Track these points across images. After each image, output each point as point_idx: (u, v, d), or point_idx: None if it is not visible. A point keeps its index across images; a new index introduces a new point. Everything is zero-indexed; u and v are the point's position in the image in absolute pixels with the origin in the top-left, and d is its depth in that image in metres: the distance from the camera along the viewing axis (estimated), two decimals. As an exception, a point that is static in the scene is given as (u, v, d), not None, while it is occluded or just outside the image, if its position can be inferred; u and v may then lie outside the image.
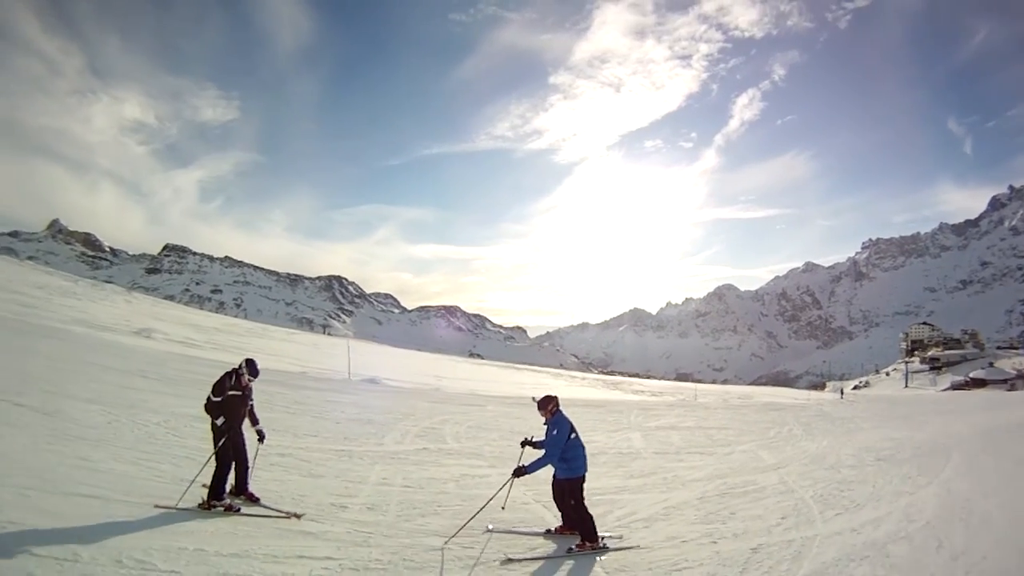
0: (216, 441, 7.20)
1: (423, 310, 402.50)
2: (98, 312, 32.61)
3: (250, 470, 7.55)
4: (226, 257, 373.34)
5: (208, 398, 7.26)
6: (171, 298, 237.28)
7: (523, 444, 7.34)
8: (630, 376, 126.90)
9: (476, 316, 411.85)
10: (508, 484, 7.21)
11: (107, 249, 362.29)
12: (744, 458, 13.97)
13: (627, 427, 18.01)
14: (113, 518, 6.21)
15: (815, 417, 25.08)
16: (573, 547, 6.90)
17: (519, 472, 6.84)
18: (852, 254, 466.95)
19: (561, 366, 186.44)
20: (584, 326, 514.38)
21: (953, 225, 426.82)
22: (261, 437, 7.64)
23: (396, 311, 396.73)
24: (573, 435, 7.08)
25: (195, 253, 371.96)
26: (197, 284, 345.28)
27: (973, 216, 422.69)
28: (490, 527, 7.23)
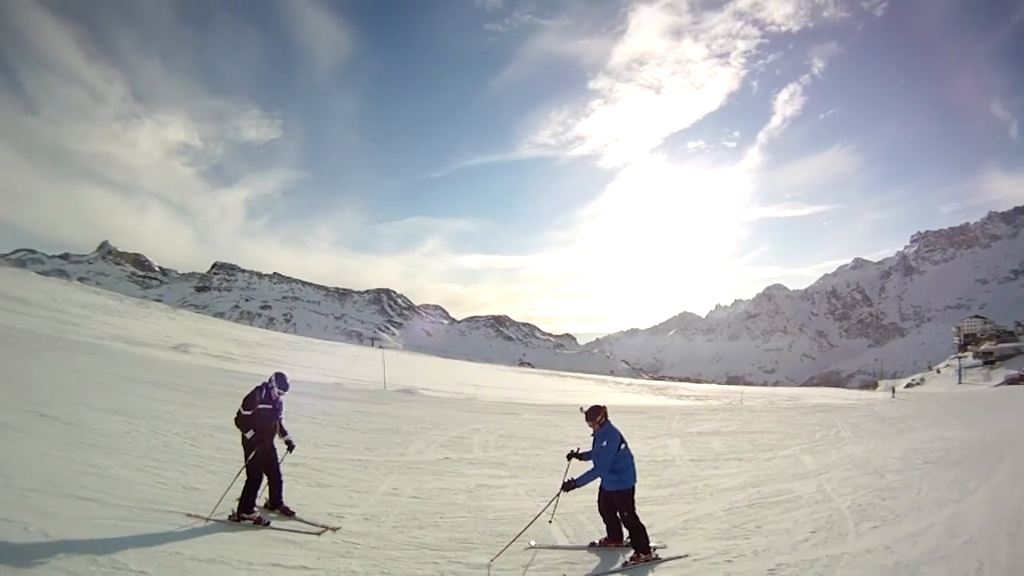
0: (247, 454, 7.17)
1: (472, 320, 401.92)
2: (139, 329, 33.29)
3: (283, 483, 7.47)
4: (275, 273, 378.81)
5: (238, 411, 7.23)
6: (221, 315, 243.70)
7: (570, 456, 7.05)
8: (680, 381, 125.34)
9: (525, 325, 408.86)
10: (556, 498, 6.95)
11: (157, 269, 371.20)
12: (784, 464, 13.22)
13: (666, 433, 17.32)
14: (104, 520, 6.35)
15: (864, 418, 23.93)
16: (628, 560, 6.65)
17: (569, 486, 6.60)
18: (901, 248, 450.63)
19: (611, 373, 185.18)
20: (633, 332, 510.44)
21: (1002, 213, 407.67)
22: (290, 447, 7.62)
23: (445, 322, 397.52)
24: (623, 446, 6.82)
25: (244, 270, 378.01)
26: (247, 301, 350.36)
27: (1022, 203, 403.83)
28: (533, 543, 6.85)
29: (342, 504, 7.85)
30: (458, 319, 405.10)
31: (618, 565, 6.55)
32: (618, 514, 6.83)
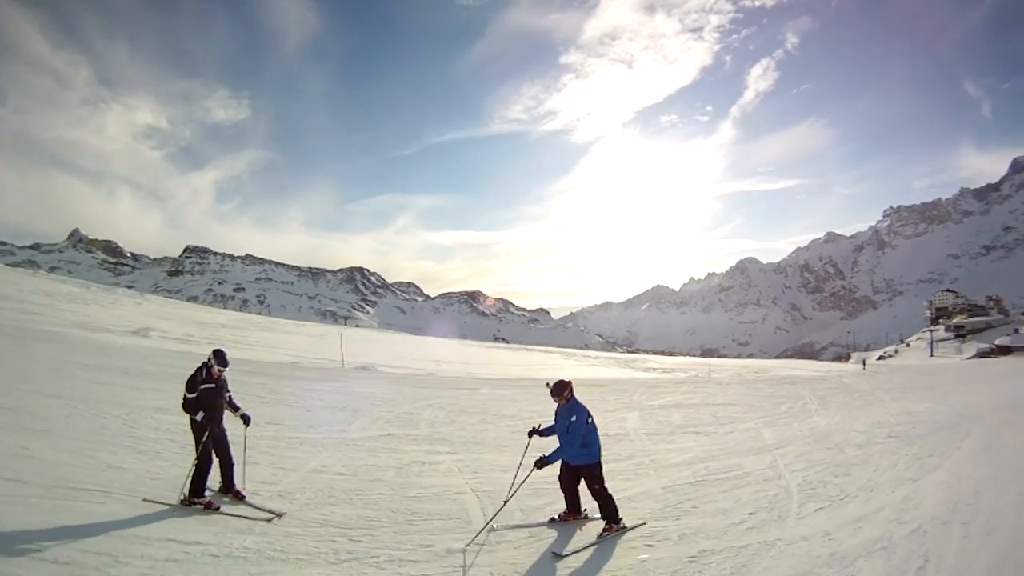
0: (197, 438, 7.09)
1: (446, 297, 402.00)
2: (102, 315, 32.84)
3: (235, 466, 7.40)
4: (247, 255, 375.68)
5: (183, 395, 7.09)
6: (194, 299, 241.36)
7: (531, 434, 7.07)
8: (654, 354, 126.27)
9: (499, 300, 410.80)
10: (525, 477, 6.85)
11: (128, 255, 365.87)
12: (742, 437, 13.06)
13: (626, 406, 17.31)
14: (19, 498, 6.54)
15: (833, 390, 24.02)
16: (603, 532, 6.74)
17: (541, 463, 6.62)
18: (874, 223, 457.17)
19: (585, 346, 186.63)
20: (607, 305, 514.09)
21: (974, 190, 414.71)
22: (246, 420, 7.48)
23: (419, 299, 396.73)
24: (590, 420, 6.86)
25: (216, 253, 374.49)
26: (220, 284, 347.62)
27: (994, 180, 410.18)
28: (495, 526, 6.81)
29: (262, 481, 7.84)
30: (432, 296, 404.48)
31: (594, 538, 6.63)
32: (588, 487, 6.83)
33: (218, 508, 6.89)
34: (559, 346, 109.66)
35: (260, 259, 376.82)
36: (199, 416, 7.04)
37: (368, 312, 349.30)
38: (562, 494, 7.13)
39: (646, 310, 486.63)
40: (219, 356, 7.35)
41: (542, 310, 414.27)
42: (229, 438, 7.35)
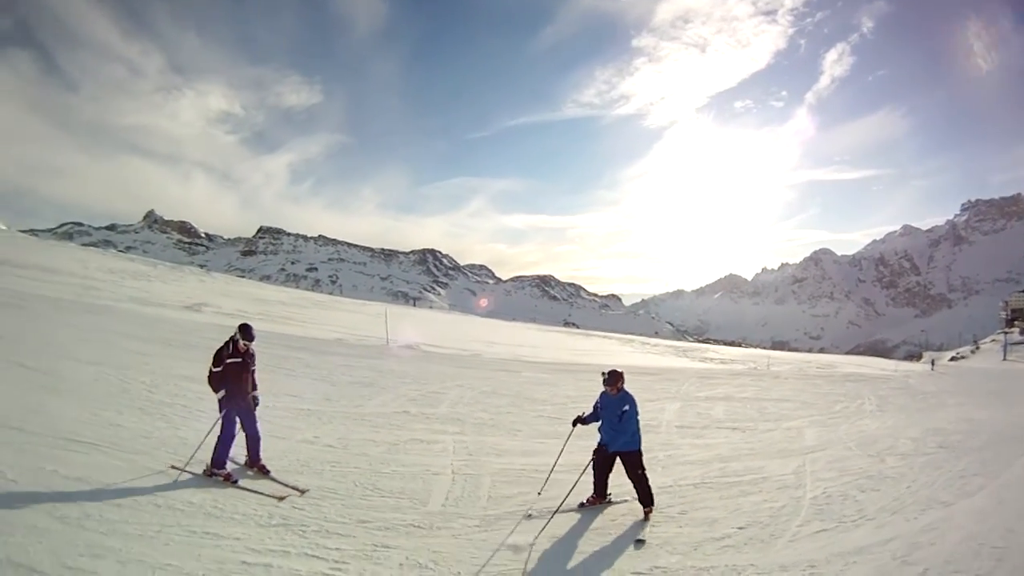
0: (221, 411, 7.17)
1: (518, 280, 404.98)
2: (163, 291, 33.60)
3: (260, 440, 7.46)
4: (320, 236, 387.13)
5: (209, 370, 7.15)
6: (267, 278, 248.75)
7: (575, 423, 7.30)
8: (724, 344, 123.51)
9: (571, 285, 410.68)
10: (563, 445, 7.63)
11: (203, 235, 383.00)
12: (781, 437, 12.23)
13: (671, 397, 16.57)
14: (14, 445, 7.07)
15: (896, 391, 22.64)
16: (645, 514, 6.98)
17: (578, 421, 7.24)
18: (951, 216, 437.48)
19: (656, 334, 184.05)
20: (679, 293, 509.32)
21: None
22: (254, 403, 7.47)
23: (491, 282, 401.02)
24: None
25: (289, 234, 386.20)
26: (292, 263, 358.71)
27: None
28: (531, 513, 6.84)
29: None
30: (504, 279, 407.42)
31: (644, 522, 6.84)
32: (629, 472, 6.96)
33: (236, 481, 6.96)
34: (629, 333, 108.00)
35: (333, 240, 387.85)
36: (220, 394, 7.10)
37: (439, 294, 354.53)
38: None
39: (718, 299, 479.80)
40: (245, 330, 7.36)
41: (613, 296, 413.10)
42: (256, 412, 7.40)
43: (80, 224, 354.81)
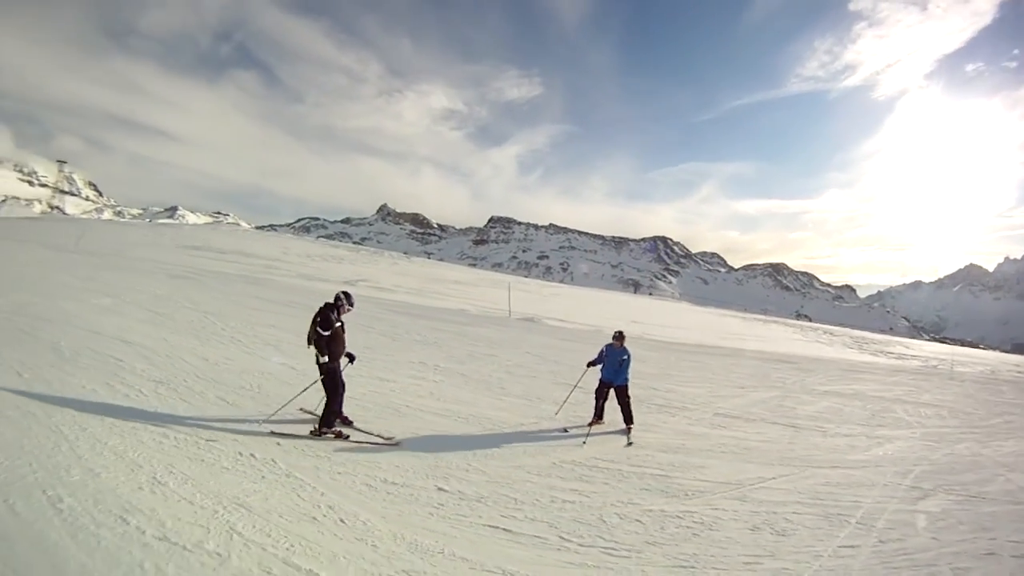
0: (322, 373, 7.70)
1: (749, 268, 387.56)
2: (341, 271, 35.48)
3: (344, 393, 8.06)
4: (550, 224, 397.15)
5: (316, 331, 7.63)
6: (499, 266, 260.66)
7: (589, 365, 10.17)
8: (964, 345, 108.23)
9: (803, 274, 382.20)
10: (579, 378, 10.86)
11: (435, 225, 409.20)
12: (835, 445, 10.24)
13: (788, 387, 15.59)
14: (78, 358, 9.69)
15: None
16: (627, 431, 9.66)
17: (592, 364, 10.19)
18: None
19: (891, 330, 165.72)
20: (917, 285, 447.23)
21: None
22: (351, 358, 8.14)
23: (723, 270, 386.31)
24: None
25: (519, 223, 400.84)
26: (524, 251, 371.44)
27: None
28: (567, 429, 9.50)
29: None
30: (735, 267, 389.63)
31: (627, 433, 9.56)
32: (619, 399, 9.75)
33: (347, 437, 7.63)
34: (862, 327, 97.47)
35: (563, 228, 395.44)
36: (324, 359, 7.58)
37: (670, 282, 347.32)
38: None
39: (957, 292, 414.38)
40: (348, 297, 8.08)
41: (847, 287, 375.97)
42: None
43: (316, 219, 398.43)
